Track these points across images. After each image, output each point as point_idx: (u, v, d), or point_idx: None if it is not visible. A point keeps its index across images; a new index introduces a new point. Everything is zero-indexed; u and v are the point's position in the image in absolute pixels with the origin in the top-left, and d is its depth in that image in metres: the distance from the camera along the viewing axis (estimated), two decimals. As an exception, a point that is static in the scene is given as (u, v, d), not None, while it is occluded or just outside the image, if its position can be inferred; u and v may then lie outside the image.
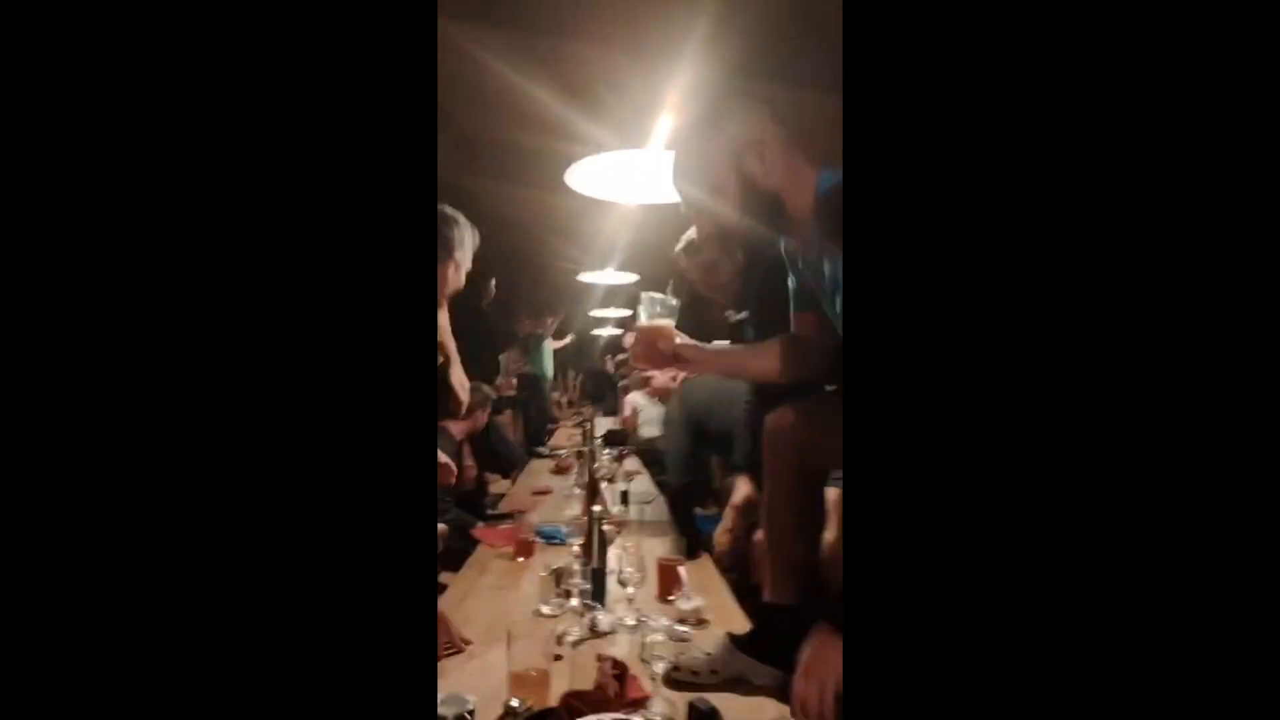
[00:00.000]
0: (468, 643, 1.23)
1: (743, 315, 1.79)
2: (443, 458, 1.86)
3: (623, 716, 0.91)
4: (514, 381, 4.23)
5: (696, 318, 2.49)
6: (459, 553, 2.02)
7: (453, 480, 1.98)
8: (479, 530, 2.12)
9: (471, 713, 0.91)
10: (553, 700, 0.99)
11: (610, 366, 6.07)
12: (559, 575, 1.44)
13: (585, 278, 4.20)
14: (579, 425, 4.35)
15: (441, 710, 0.88)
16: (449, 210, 1.38)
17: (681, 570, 1.48)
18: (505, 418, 4.05)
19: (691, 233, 1.74)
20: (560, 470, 3.22)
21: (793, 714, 0.97)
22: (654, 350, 1.17)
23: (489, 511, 2.66)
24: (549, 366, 4.99)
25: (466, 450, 2.73)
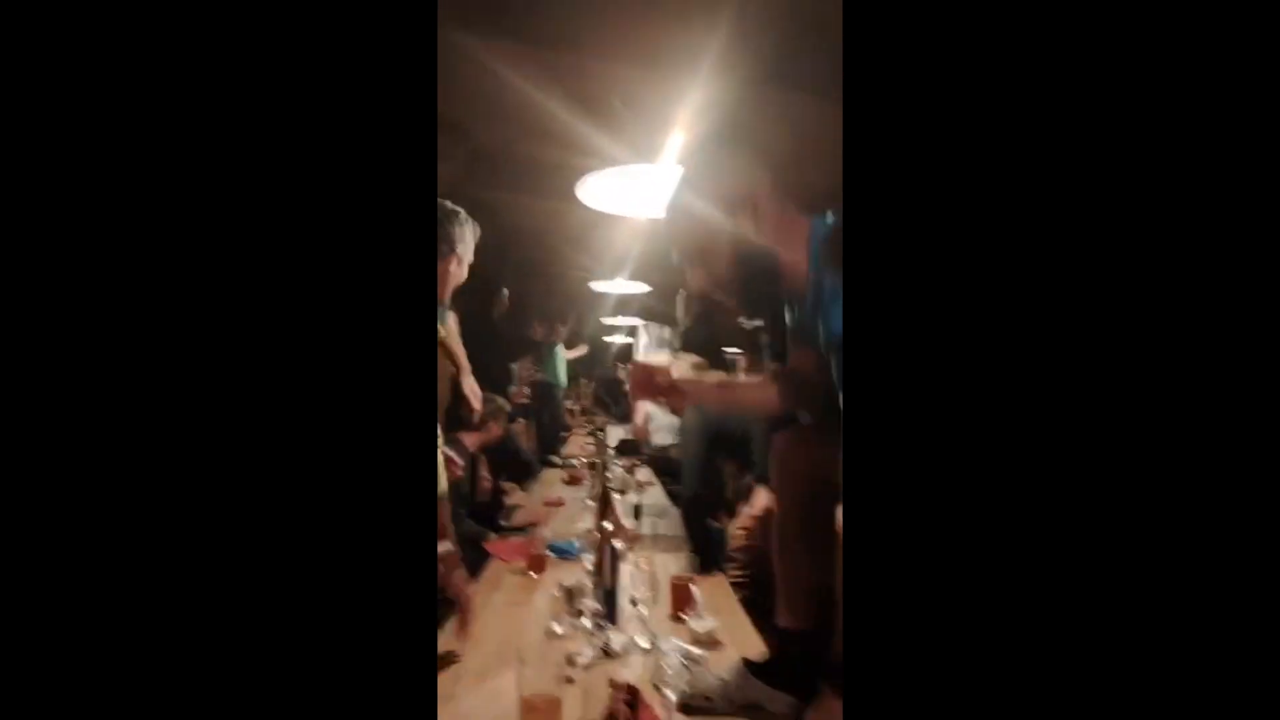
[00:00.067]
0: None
1: (757, 322, 1.78)
2: (448, 452, 1.83)
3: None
4: (526, 390, 4.24)
5: (709, 326, 2.49)
6: (473, 565, 2.02)
7: (459, 474, 1.95)
8: (491, 544, 2.12)
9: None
10: (565, 727, 0.98)
11: (622, 374, 6.06)
12: (571, 594, 1.44)
13: (597, 286, 4.20)
14: (592, 433, 4.36)
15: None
16: (449, 205, 1.38)
17: (694, 589, 1.47)
18: (518, 426, 4.05)
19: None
20: (573, 480, 3.21)
21: None
22: (650, 383, 1.17)
23: (502, 524, 2.66)
24: (562, 374, 4.99)
25: (482, 462, 2.74)
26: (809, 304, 0.97)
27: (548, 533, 2.22)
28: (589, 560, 1.56)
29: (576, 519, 2.47)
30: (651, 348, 1.34)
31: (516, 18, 1.79)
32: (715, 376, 1.36)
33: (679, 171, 1.03)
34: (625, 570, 1.51)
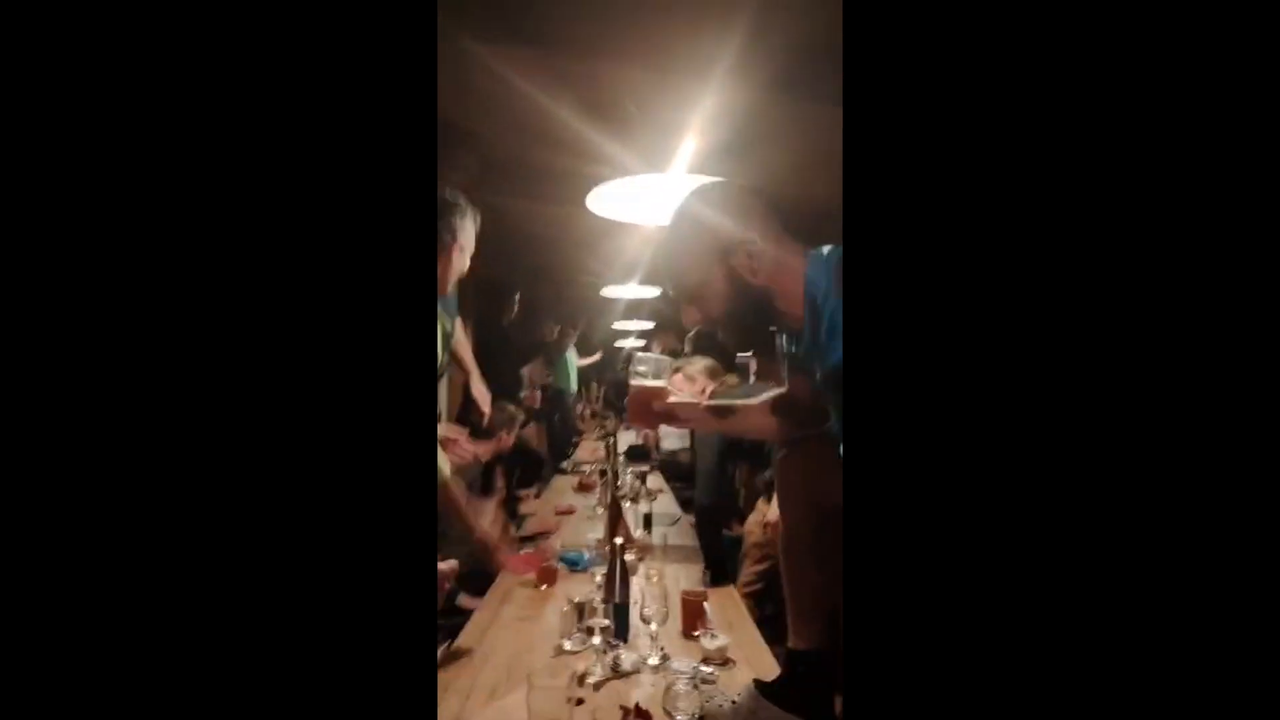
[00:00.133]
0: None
1: (747, 355, 1.77)
2: (454, 431, 1.77)
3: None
4: (538, 394, 4.24)
5: (708, 352, 2.48)
6: (485, 577, 2.01)
7: (469, 457, 1.89)
8: (502, 556, 2.11)
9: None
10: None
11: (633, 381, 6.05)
12: (581, 610, 1.42)
13: (608, 292, 4.19)
14: (603, 438, 4.34)
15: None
16: (448, 195, 1.38)
17: (706, 605, 1.45)
18: (529, 430, 4.06)
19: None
20: (583, 488, 3.20)
21: None
22: (647, 411, 1.17)
23: (516, 533, 2.65)
24: (573, 379, 4.99)
25: (499, 472, 2.73)
26: (806, 337, 0.95)
27: (558, 543, 2.21)
28: (599, 573, 1.54)
29: (587, 529, 2.46)
30: (649, 376, 1.31)
31: (527, 24, 1.78)
32: (712, 401, 1.34)
33: (680, 201, 1.02)
34: (636, 584, 1.50)
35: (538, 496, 3.36)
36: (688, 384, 2.70)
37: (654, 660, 1.29)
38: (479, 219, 1.43)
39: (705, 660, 1.30)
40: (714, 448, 2.18)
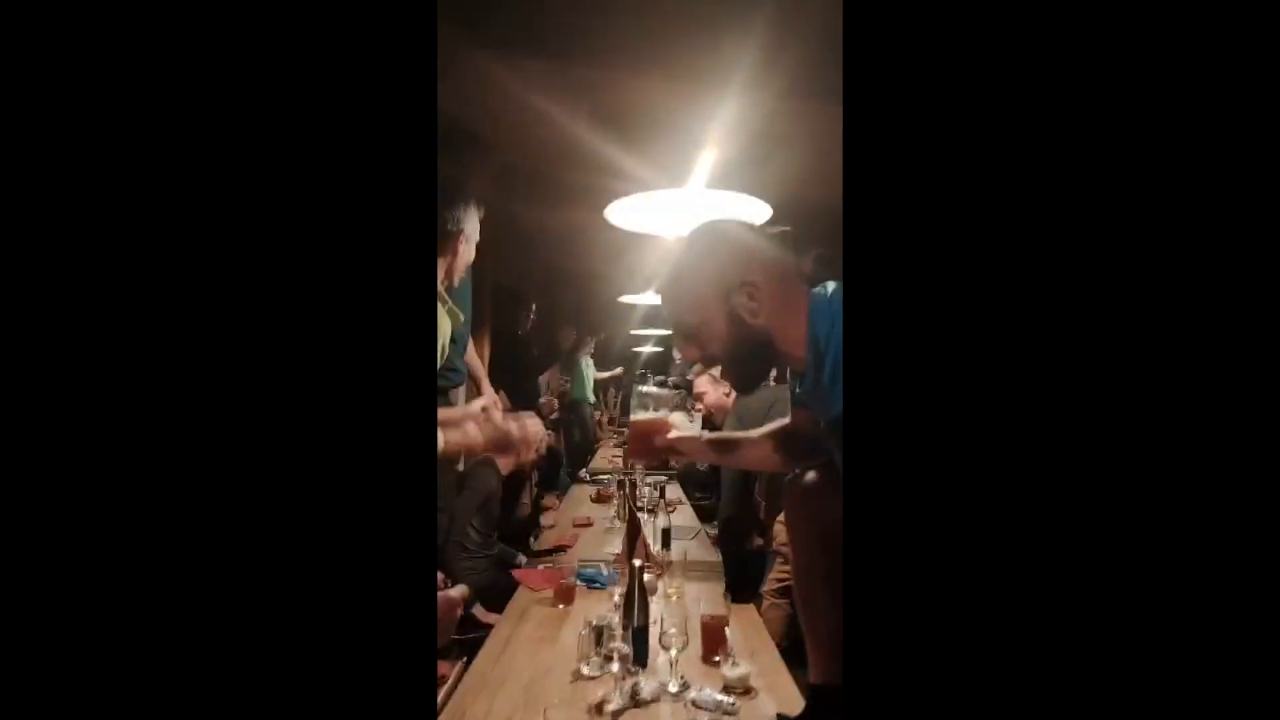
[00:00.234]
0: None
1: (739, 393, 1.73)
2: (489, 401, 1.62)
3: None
4: (555, 402, 4.24)
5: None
6: (505, 591, 2.00)
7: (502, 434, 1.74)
8: (519, 572, 2.10)
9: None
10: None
11: (649, 384, 6.04)
12: (600, 634, 1.40)
13: (626, 299, 4.17)
14: (621, 444, 4.32)
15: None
16: (449, 187, 1.38)
17: (727, 630, 1.42)
18: (548, 438, 4.06)
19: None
20: (601, 499, 3.18)
21: None
22: (648, 445, 1.15)
23: (534, 546, 2.64)
24: (589, 388, 4.98)
25: (526, 488, 2.73)
26: (809, 380, 0.93)
27: (576, 560, 2.19)
28: (618, 593, 1.52)
29: (604, 542, 2.44)
30: (650, 409, 1.30)
31: (544, 35, 1.77)
32: (714, 434, 1.33)
33: (677, 256, 1.02)
34: (655, 605, 1.47)
35: (560, 499, 3.35)
36: (713, 385, 2.68)
37: (674, 688, 1.26)
38: (482, 209, 1.43)
39: (726, 689, 1.27)
40: None
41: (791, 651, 1.53)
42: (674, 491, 3.18)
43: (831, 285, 0.91)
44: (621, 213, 1.87)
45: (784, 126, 2.06)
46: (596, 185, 2.06)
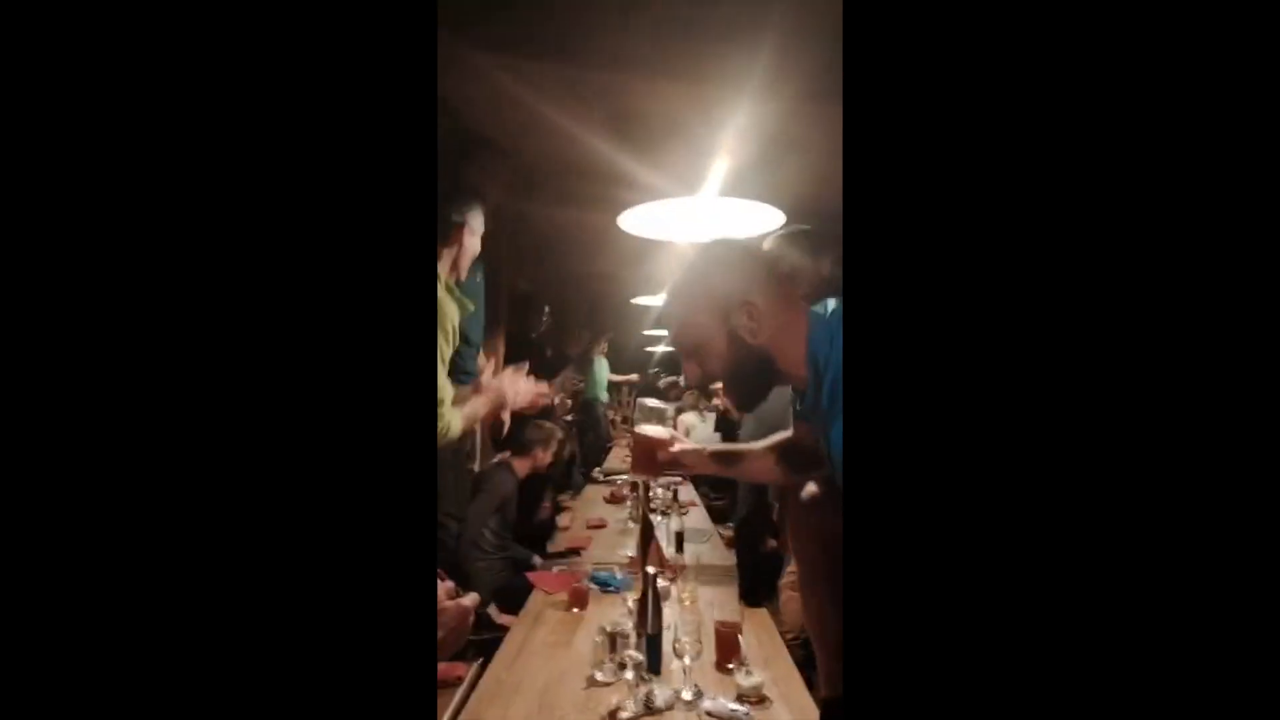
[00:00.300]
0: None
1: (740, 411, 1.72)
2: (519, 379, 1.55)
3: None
4: (569, 403, 4.25)
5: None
6: (519, 592, 2.02)
7: (544, 400, 1.71)
8: (534, 575, 2.12)
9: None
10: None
11: (662, 384, 6.05)
12: (613, 640, 1.41)
13: (639, 301, 4.18)
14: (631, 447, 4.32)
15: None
16: (450, 183, 1.40)
17: (741, 638, 1.43)
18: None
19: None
20: (614, 499, 3.20)
21: None
22: (651, 460, 1.16)
23: (549, 548, 2.66)
24: (603, 388, 4.99)
25: (548, 493, 2.74)
26: (809, 400, 0.93)
27: (589, 564, 2.21)
28: (631, 598, 1.53)
29: (618, 543, 2.45)
30: (653, 422, 1.31)
31: (557, 40, 1.78)
32: (717, 447, 1.33)
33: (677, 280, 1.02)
34: (668, 610, 1.48)
35: (574, 497, 3.36)
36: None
37: (688, 695, 1.27)
38: (487, 203, 1.45)
39: (740, 698, 1.27)
40: None
41: (808, 648, 1.53)
42: (687, 493, 3.19)
43: (831, 304, 0.91)
44: (635, 220, 1.88)
45: (798, 130, 2.05)
46: (609, 194, 2.06)
